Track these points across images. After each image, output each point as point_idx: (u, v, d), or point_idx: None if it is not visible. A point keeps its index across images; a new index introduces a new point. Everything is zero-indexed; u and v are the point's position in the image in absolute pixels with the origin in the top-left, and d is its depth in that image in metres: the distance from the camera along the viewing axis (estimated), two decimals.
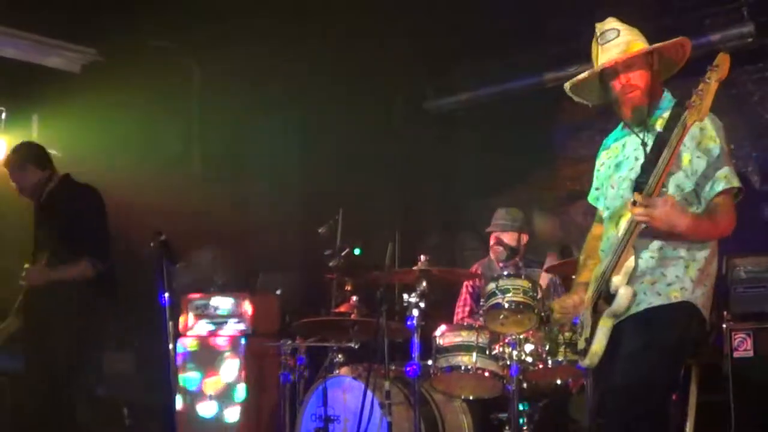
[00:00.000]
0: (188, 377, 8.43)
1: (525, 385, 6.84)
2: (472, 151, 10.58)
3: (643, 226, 4.26)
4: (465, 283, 8.21)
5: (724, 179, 4.37)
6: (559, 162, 10.24)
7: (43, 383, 6.73)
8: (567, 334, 6.85)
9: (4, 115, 8.61)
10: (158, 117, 9.29)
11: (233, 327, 8.44)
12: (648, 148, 4.49)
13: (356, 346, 7.40)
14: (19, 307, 7.11)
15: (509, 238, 7.92)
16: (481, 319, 6.97)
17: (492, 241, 8.06)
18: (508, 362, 6.73)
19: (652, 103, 4.62)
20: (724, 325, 6.67)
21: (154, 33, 9.07)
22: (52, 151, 8.23)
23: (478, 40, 9.29)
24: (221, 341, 8.44)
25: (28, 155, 7.19)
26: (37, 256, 7.01)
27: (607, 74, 4.64)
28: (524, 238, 7.99)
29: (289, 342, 7.46)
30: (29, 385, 6.94)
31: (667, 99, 4.67)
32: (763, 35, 8.27)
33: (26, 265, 6.99)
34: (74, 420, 6.59)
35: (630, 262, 4.35)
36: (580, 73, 4.81)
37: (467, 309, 8.15)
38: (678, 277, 4.40)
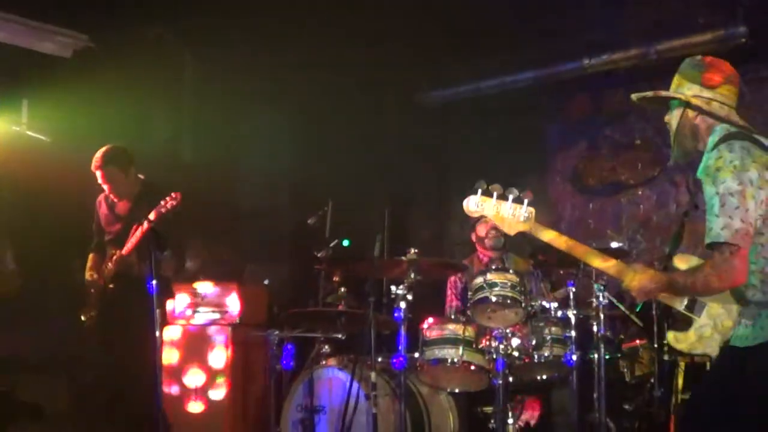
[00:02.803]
0: (175, 366, 8.41)
1: (511, 379, 6.87)
2: (464, 145, 10.60)
3: None
4: (449, 279, 8.26)
5: (708, 233, 4.20)
6: (550, 157, 10.27)
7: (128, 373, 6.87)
8: (554, 329, 6.89)
9: None
10: (149, 104, 9.25)
11: (221, 316, 8.42)
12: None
13: (343, 338, 7.40)
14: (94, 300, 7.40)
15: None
16: (468, 313, 7.00)
17: (485, 230, 8.11)
18: (495, 356, 6.76)
19: (692, 144, 4.56)
20: None
21: (147, 20, 9.03)
22: (41, 137, 8.24)
23: (471, 33, 9.29)
24: (208, 330, 8.43)
25: (132, 159, 7.46)
26: (107, 250, 7.37)
27: None
28: None
29: (277, 332, 7.44)
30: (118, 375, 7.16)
31: (712, 141, 4.46)
32: (756, 36, 8.28)
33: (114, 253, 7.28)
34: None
35: None
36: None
37: (453, 305, 8.21)
38: None
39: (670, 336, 4.75)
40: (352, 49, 9.20)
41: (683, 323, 4.68)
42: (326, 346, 7.50)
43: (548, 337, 6.88)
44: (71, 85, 8.54)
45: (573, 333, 6.83)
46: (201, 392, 8.32)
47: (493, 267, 7.11)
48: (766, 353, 4.19)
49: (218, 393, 8.27)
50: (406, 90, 10.46)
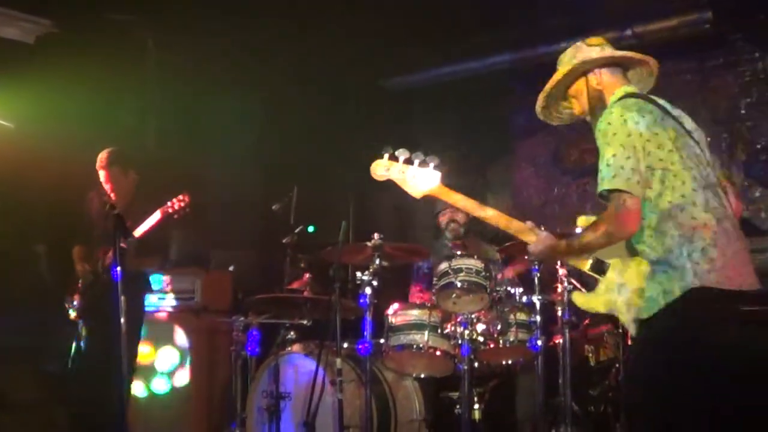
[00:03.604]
0: (139, 352, 8.38)
1: (476, 364, 6.89)
2: (428, 131, 10.58)
3: None
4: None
5: (601, 182, 4.36)
6: (514, 144, 10.27)
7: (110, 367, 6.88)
8: (519, 315, 6.91)
9: None
10: (113, 90, 9.18)
11: (185, 303, 8.40)
12: None
13: (309, 324, 7.39)
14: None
15: (461, 216, 7.97)
16: (433, 298, 7.01)
17: (445, 220, 8.10)
18: (460, 341, 6.77)
19: (596, 115, 4.67)
20: None
21: (111, 5, 8.97)
22: (4, 123, 8.18)
23: (436, 19, 9.27)
24: (173, 317, 8.41)
25: (132, 162, 7.71)
26: (98, 244, 7.41)
27: None
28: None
29: (242, 318, 7.43)
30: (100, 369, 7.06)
31: (611, 102, 4.66)
32: (720, 23, 8.32)
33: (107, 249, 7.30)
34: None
35: None
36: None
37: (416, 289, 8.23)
38: None
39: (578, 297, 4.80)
40: (317, 34, 9.17)
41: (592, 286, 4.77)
42: (292, 332, 7.48)
43: (513, 323, 6.90)
44: (34, 70, 8.51)
45: (538, 318, 6.87)
46: (165, 379, 8.30)
47: (458, 253, 7.11)
48: (660, 323, 4.28)
49: (183, 379, 8.27)
50: (372, 75, 10.44)
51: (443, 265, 6.88)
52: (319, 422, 6.63)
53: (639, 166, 4.27)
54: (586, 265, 4.67)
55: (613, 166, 4.27)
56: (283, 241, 8.19)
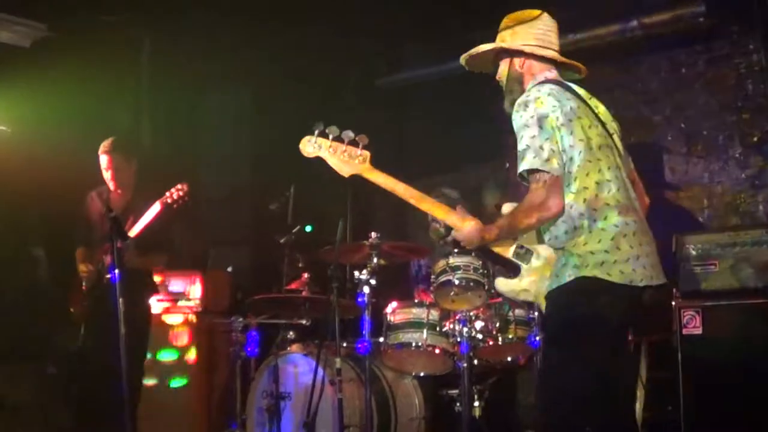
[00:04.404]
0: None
1: (475, 362, 6.88)
2: (425, 128, 10.57)
3: None
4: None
5: (521, 162, 4.41)
6: (509, 140, 10.25)
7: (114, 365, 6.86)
8: (517, 312, 6.90)
9: None
10: (108, 91, 9.19)
11: (184, 304, 8.40)
12: None
13: (308, 323, 7.40)
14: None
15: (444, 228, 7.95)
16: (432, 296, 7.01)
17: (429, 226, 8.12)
18: (459, 339, 6.76)
19: (519, 93, 4.69)
20: (674, 303, 6.70)
21: (105, 8, 8.97)
22: (1, 128, 8.19)
23: (432, 17, 9.26)
24: (172, 318, 8.41)
25: (135, 150, 7.72)
26: (99, 244, 7.33)
27: None
28: None
29: (241, 319, 7.43)
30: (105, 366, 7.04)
31: (530, 86, 4.69)
32: (713, 16, 8.30)
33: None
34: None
35: None
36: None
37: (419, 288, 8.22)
38: None
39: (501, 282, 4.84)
40: (313, 33, 9.16)
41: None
42: (291, 332, 7.50)
43: (512, 319, 6.90)
44: (31, 75, 8.49)
45: (536, 314, 6.86)
46: (165, 380, 8.30)
47: (456, 250, 7.11)
48: (553, 296, 4.43)
49: (183, 381, 8.26)
50: (367, 74, 10.43)
51: (441, 263, 6.87)
52: (319, 422, 6.64)
53: (557, 147, 4.32)
54: (510, 251, 4.70)
55: (533, 147, 4.33)
56: (281, 240, 8.18)
